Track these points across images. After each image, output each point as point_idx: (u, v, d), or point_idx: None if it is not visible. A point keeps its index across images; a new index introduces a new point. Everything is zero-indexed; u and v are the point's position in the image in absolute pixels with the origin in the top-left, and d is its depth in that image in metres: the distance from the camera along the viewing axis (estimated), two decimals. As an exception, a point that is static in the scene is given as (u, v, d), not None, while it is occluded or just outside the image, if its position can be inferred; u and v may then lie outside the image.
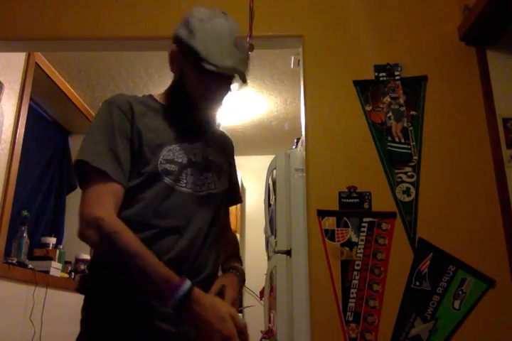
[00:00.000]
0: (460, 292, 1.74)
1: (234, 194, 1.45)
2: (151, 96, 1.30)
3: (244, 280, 1.28)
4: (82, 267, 3.37)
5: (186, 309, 0.98)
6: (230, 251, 1.36)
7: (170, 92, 1.28)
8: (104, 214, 1.04)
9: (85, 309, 1.13)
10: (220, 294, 1.16)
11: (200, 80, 1.19)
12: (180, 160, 1.17)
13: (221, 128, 1.44)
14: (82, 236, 1.05)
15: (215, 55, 1.14)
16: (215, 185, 1.24)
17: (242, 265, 1.34)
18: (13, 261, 2.55)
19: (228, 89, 1.25)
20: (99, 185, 1.08)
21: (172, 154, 1.17)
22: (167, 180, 1.14)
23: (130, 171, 1.13)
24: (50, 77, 3.13)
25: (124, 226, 1.04)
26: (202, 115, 1.25)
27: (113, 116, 1.15)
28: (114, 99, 1.19)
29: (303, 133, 2.02)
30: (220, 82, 1.20)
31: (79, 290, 1.15)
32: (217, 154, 1.31)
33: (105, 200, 1.07)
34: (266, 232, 2.36)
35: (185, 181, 1.17)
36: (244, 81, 1.20)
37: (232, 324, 0.98)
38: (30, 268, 2.66)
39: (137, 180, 1.14)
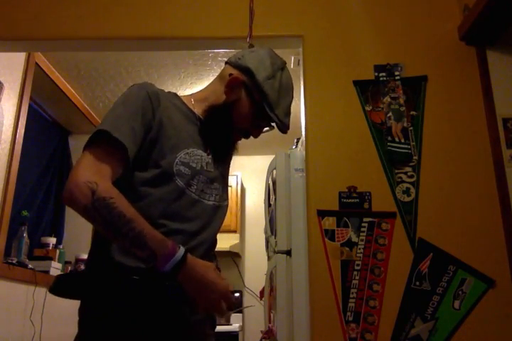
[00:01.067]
0: (460, 292, 1.74)
1: None
2: (176, 94, 1.30)
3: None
4: (82, 267, 3.37)
5: (183, 272, 1.01)
6: None
7: (213, 108, 1.27)
8: (99, 180, 1.01)
9: (82, 310, 1.12)
10: None
11: (252, 119, 1.27)
12: (194, 165, 1.18)
13: None
14: (70, 199, 1.01)
15: (282, 109, 1.25)
16: (219, 198, 1.25)
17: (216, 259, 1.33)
18: (13, 261, 2.55)
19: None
20: (107, 154, 1.07)
21: (189, 157, 1.18)
22: (179, 182, 1.14)
23: (144, 158, 1.13)
24: (50, 77, 3.13)
25: (119, 192, 1.03)
26: (231, 139, 1.31)
27: (139, 99, 1.15)
28: (144, 85, 1.20)
29: (303, 133, 2.02)
30: (264, 126, 1.31)
31: (57, 291, 1.13)
32: (225, 166, 1.33)
33: (104, 170, 1.05)
34: (266, 232, 2.36)
35: (195, 187, 1.17)
36: (285, 133, 1.31)
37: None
38: (30, 268, 2.66)
39: (150, 173, 1.13)
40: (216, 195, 1.24)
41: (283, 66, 1.30)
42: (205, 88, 1.34)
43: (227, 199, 1.32)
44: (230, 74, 1.25)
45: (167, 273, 1.00)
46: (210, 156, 1.23)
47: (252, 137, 1.35)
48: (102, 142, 1.07)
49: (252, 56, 1.27)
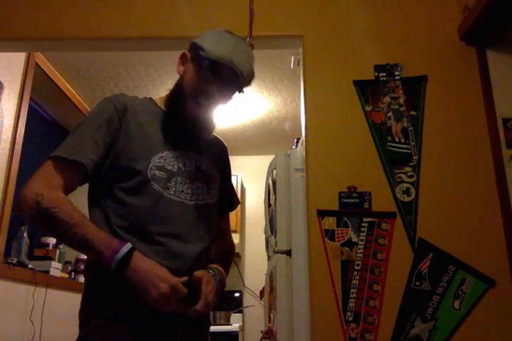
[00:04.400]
0: (460, 292, 1.74)
1: (230, 200, 1.45)
2: (151, 99, 1.32)
3: (223, 285, 1.24)
4: (82, 267, 3.37)
5: (129, 268, 1.03)
6: (219, 256, 1.34)
7: (169, 96, 1.29)
8: (45, 192, 1.07)
9: (83, 311, 1.13)
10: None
11: (198, 74, 1.22)
12: (170, 168, 1.19)
13: (217, 131, 1.44)
14: (20, 210, 1.09)
15: (218, 49, 1.20)
16: (203, 197, 1.25)
17: (226, 272, 1.30)
18: (13, 261, 2.55)
19: (225, 92, 1.25)
20: (62, 167, 1.12)
21: (163, 161, 1.19)
22: (156, 186, 1.16)
23: (118, 169, 1.15)
24: (50, 77, 3.13)
25: (65, 201, 1.08)
26: (197, 117, 1.25)
27: (105, 111, 1.19)
28: (112, 97, 1.23)
29: (303, 133, 2.02)
30: (216, 80, 1.22)
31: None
32: (210, 163, 1.32)
33: (54, 182, 1.10)
34: (266, 232, 2.36)
35: (174, 189, 1.18)
36: (240, 78, 1.22)
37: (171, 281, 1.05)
38: (30, 268, 2.66)
39: (127, 182, 1.15)
40: (199, 195, 1.23)
41: (225, 31, 1.27)
42: None
43: (215, 195, 1.30)
44: None
45: (114, 269, 1.03)
46: (188, 154, 1.24)
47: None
48: (60, 156, 1.12)
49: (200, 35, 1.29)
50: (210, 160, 1.32)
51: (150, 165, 1.16)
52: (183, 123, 1.24)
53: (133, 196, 1.14)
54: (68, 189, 1.13)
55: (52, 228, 1.08)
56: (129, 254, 1.04)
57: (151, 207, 1.14)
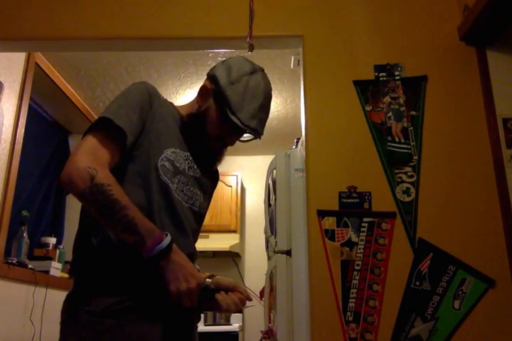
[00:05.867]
0: (460, 292, 1.74)
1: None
2: (171, 103, 1.35)
3: None
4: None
5: (167, 258, 1.05)
6: None
7: (190, 116, 1.31)
8: (99, 167, 1.06)
9: (71, 309, 1.12)
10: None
11: (220, 125, 1.26)
12: (178, 165, 1.21)
13: None
14: (69, 182, 1.05)
15: (247, 112, 1.22)
16: (198, 204, 1.28)
17: None
18: (13, 261, 2.55)
19: (240, 137, 1.33)
20: (106, 141, 1.11)
21: (174, 156, 1.21)
22: (163, 177, 1.18)
23: (135, 150, 1.17)
24: (50, 77, 3.13)
25: (115, 180, 1.08)
26: (210, 150, 1.31)
27: (139, 93, 1.21)
28: (144, 82, 1.26)
29: (303, 133, 2.02)
30: (236, 133, 1.29)
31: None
32: (208, 182, 1.36)
33: (103, 158, 1.10)
34: (266, 232, 2.36)
35: (176, 186, 1.20)
36: (258, 138, 1.30)
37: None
38: (30, 268, 2.66)
39: (138, 165, 1.17)
40: (196, 200, 1.26)
41: (253, 71, 1.27)
42: (191, 101, 1.38)
43: (205, 210, 1.34)
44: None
45: (152, 257, 1.04)
46: (193, 162, 1.27)
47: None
48: (102, 129, 1.12)
49: (222, 64, 1.30)
50: (208, 178, 1.35)
51: (162, 156, 1.19)
52: (194, 141, 1.28)
53: (142, 180, 1.16)
54: (112, 166, 1.12)
55: (103, 205, 1.04)
56: (171, 245, 1.06)
57: (156, 194, 1.16)
